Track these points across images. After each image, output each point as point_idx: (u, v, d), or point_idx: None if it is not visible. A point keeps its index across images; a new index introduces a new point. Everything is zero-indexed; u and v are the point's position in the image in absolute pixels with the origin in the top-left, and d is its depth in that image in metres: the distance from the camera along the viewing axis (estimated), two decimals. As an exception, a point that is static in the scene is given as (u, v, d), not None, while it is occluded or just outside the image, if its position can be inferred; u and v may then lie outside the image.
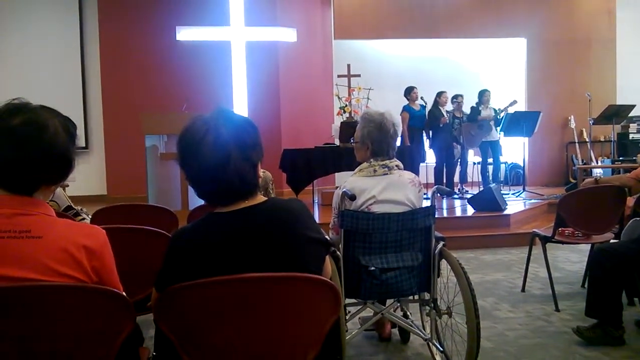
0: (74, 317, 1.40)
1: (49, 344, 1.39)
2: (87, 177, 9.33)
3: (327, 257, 1.67)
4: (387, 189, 2.71)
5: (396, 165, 2.79)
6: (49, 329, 1.38)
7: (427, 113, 8.61)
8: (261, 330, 1.45)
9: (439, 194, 3.08)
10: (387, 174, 2.74)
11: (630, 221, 3.37)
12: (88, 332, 1.42)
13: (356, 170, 2.83)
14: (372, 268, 2.58)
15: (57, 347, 1.40)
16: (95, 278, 1.47)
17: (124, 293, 1.61)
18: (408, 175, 2.80)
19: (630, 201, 3.78)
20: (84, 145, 9.66)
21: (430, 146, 8.75)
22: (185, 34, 8.45)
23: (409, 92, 8.70)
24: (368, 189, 2.70)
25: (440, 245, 2.75)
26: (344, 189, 2.65)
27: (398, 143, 7.90)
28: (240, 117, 1.55)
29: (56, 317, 1.38)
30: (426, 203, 2.82)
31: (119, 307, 1.45)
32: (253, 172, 1.51)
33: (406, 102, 8.72)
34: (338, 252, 2.63)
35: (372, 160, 2.79)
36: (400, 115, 8.52)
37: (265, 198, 1.57)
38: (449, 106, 8.68)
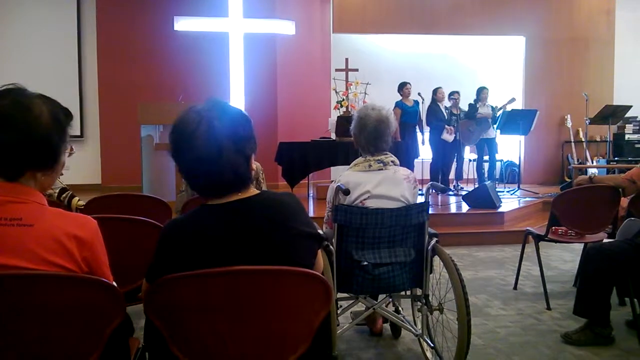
0: (63, 307, 1.39)
1: (38, 333, 1.38)
2: (82, 166, 9.30)
3: (320, 252, 1.67)
4: (382, 184, 2.70)
5: (392, 161, 2.78)
6: (37, 318, 1.38)
7: (426, 109, 8.61)
8: (251, 323, 1.44)
9: (433, 190, 3.07)
10: (382, 169, 2.74)
11: (625, 221, 3.38)
12: (77, 321, 1.41)
13: (352, 164, 2.83)
14: (365, 263, 2.59)
15: (45, 336, 1.39)
16: (85, 268, 1.46)
17: (114, 283, 1.60)
18: (403, 171, 2.79)
19: (625, 202, 3.79)
20: (79, 133, 9.63)
21: (428, 142, 8.74)
22: (183, 24, 8.40)
23: (402, 87, 8.68)
24: (363, 183, 2.69)
25: (433, 242, 2.75)
26: (339, 184, 2.65)
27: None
28: (234, 109, 1.54)
29: (45, 306, 1.38)
30: (420, 199, 2.82)
31: (109, 297, 1.44)
32: (246, 165, 1.50)
33: (399, 97, 8.71)
34: (331, 247, 2.63)
35: (367, 155, 2.79)
36: (392, 111, 8.48)
37: (258, 191, 1.56)
38: (446, 102, 8.69)
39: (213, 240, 1.45)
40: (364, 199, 2.67)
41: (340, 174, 2.83)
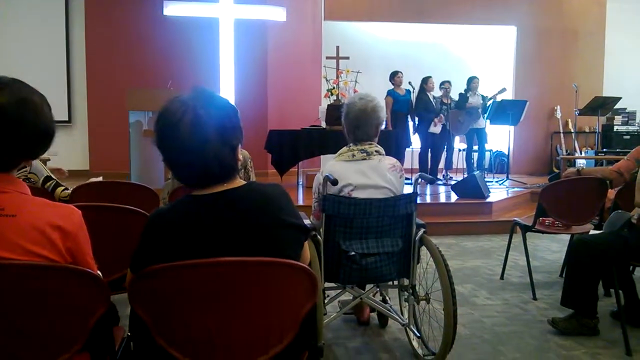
0: (45, 297, 1.38)
1: (20, 323, 1.38)
2: (70, 152, 9.23)
3: (306, 243, 1.66)
4: (366, 173, 2.70)
5: (376, 151, 2.77)
6: (20, 308, 1.37)
7: (414, 98, 8.60)
8: (236, 314, 1.44)
9: (422, 180, 3.07)
10: (365, 159, 2.73)
11: (612, 213, 3.40)
12: (60, 312, 1.41)
13: (337, 154, 2.83)
14: (352, 253, 2.59)
15: (28, 327, 1.39)
16: (69, 259, 1.45)
17: (99, 273, 1.59)
18: (389, 160, 2.78)
19: (612, 193, 3.81)
20: (66, 119, 9.54)
21: (415, 131, 8.74)
22: (172, 8, 8.31)
23: (393, 76, 8.67)
24: (346, 173, 2.68)
25: (420, 232, 2.75)
26: (326, 173, 2.63)
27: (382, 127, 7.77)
28: (221, 99, 1.52)
29: (28, 297, 1.37)
30: (408, 188, 2.82)
31: (92, 287, 1.43)
32: (232, 156, 1.49)
33: (391, 86, 8.70)
34: (319, 237, 2.63)
35: (351, 144, 2.79)
36: (385, 99, 8.52)
37: (244, 182, 1.55)
38: (436, 92, 8.68)
39: (198, 231, 1.44)
40: (350, 190, 2.66)
41: (325, 164, 2.83)
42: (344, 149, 2.80)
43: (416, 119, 8.71)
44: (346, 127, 2.81)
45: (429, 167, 8.65)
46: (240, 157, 1.54)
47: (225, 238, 1.44)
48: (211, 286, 1.41)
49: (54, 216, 1.43)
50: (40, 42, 9.40)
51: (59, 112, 9.33)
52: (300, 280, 1.48)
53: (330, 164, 2.77)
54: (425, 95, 8.57)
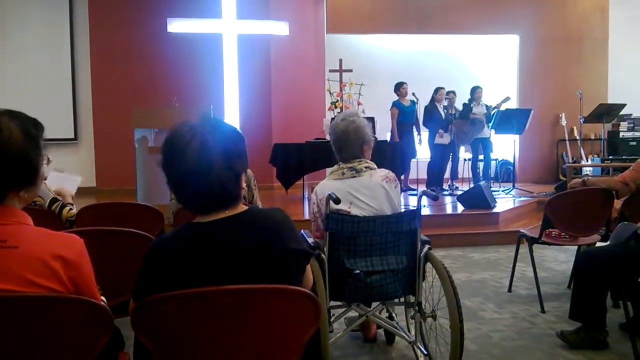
0: (49, 328, 1.38)
1: (24, 354, 1.38)
2: (76, 169, 9.14)
3: (308, 266, 1.66)
4: (358, 190, 2.70)
5: (366, 167, 2.77)
6: (23, 340, 1.37)
7: (423, 109, 8.60)
8: (240, 342, 1.44)
9: (425, 197, 3.05)
10: (355, 176, 2.74)
11: (619, 225, 3.38)
12: (64, 342, 1.41)
13: (329, 172, 2.85)
14: (357, 271, 2.58)
15: (32, 357, 1.39)
16: (72, 288, 1.45)
17: (103, 298, 1.60)
18: (380, 173, 2.78)
19: (618, 204, 3.79)
20: (72, 137, 9.61)
21: (427, 143, 8.72)
22: (176, 25, 8.38)
23: (399, 87, 8.66)
24: (338, 191, 2.67)
25: (425, 249, 2.74)
26: (328, 192, 2.63)
27: (388, 139, 7.71)
28: (228, 126, 1.55)
29: (31, 328, 1.37)
30: (412, 200, 2.81)
31: (96, 316, 1.43)
32: (236, 182, 1.49)
33: (395, 97, 8.71)
34: (323, 255, 2.62)
35: (341, 163, 2.80)
36: (390, 110, 8.53)
37: (246, 207, 1.55)
38: (444, 102, 8.68)
39: (199, 260, 1.44)
40: (347, 207, 2.66)
41: (318, 184, 2.85)
42: (335, 167, 2.83)
43: (422, 129, 8.70)
44: (333, 147, 2.85)
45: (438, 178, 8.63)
46: (244, 184, 1.54)
47: (227, 266, 1.44)
48: (213, 314, 1.41)
49: (55, 246, 1.43)
50: (46, 61, 9.46)
51: (64, 129, 9.40)
52: (303, 305, 1.48)
53: (323, 183, 2.81)
54: (433, 106, 8.56)
